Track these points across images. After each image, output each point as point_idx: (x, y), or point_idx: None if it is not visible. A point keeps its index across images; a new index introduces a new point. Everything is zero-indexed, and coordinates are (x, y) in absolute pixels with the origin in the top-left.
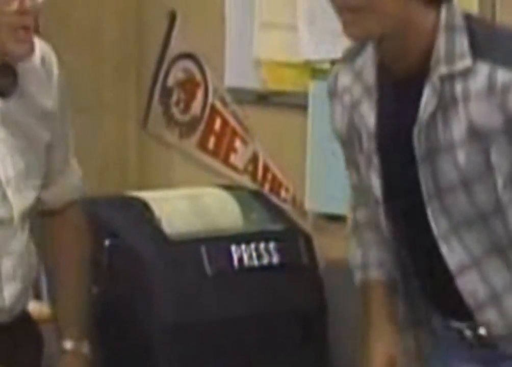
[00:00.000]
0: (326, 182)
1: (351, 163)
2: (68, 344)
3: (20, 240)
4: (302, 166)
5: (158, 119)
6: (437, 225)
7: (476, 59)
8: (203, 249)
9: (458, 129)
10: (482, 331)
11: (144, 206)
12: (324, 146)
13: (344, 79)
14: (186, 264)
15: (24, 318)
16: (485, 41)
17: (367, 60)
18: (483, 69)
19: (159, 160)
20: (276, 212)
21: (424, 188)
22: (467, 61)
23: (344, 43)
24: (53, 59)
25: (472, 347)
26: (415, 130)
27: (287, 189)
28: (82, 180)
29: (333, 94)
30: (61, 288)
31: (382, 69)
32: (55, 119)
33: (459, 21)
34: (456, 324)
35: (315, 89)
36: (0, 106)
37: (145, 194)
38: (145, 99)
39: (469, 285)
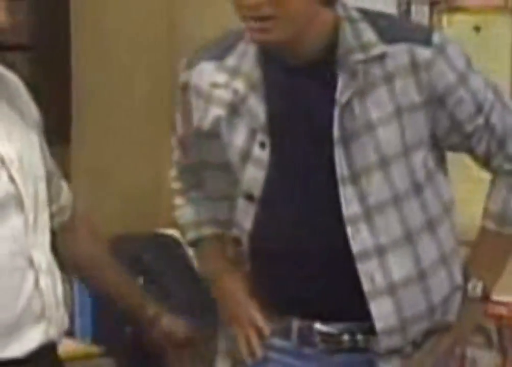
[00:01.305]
0: None
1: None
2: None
3: (42, 235)
4: None
5: None
6: (348, 208)
7: (390, 43)
8: None
9: (378, 110)
10: (359, 336)
11: (176, 244)
12: None
13: (216, 76)
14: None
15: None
16: (390, 27)
17: (243, 57)
18: (401, 49)
19: None
20: None
21: (338, 171)
22: (382, 47)
23: None
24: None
25: (336, 353)
26: (336, 113)
27: None
28: (114, 217)
29: (189, 88)
30: (112, 282)
31: (267, 62)
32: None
33: (355, 14)
34: (333, 328)
35: None
36: None
37: (177, 232)
38: None
39: (369, 271)
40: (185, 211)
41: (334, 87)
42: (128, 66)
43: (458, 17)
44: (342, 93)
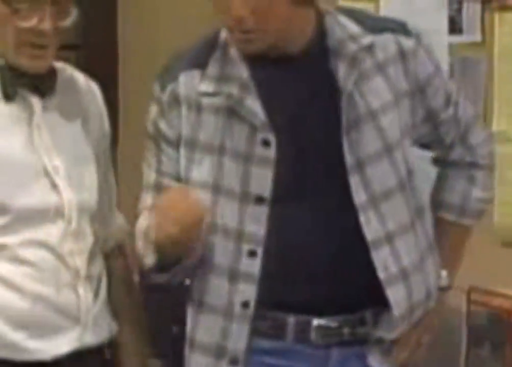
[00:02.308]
0: None
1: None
2: None
3: (84, 243)
4: None
5: None
6: (358, 196)
7: (374, 33)
8: None
9: (378, 99)
10: (359, 329)
11: None
12: None
13: (203, 86)
14: None
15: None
16: (366, 19)
17: (225, 63)
18: (387, 39)
19: None
20: None
21: (347, 159)
22: (369, 37)
23: None
24: (96, 89)
25: (332, 347)
26: (344, 102)
27: None
28: None
29: (177, 101)
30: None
31: (253, 61)
32: (99, 146)
33: (332, 10)
34: (332, 321)
35: None
36: (39, 104)
37: None
38: None
39: (383, 258)
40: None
41: (330, 77)
42: None
43: (510, 16)
44: (345, 80)
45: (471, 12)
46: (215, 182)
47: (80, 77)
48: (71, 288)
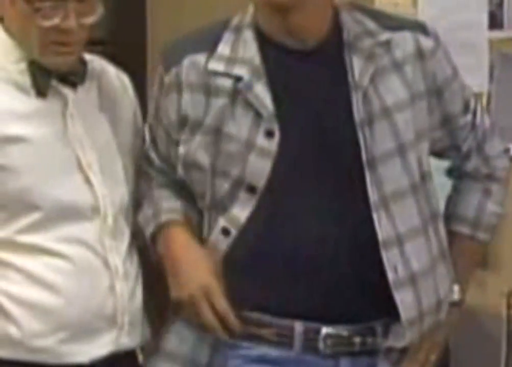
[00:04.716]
0: None
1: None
2: None
3: (121, 240)
4: None
5: None
6: (373, 194)
7: (392, 31)
8: None
9: (393, 96)
10: (369, 339)
11: None
12: None
13: (213, 65)
14: None
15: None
16: (382, 16)
17: (237, 45)
18: (406, 37)
19: None
20: None
21: (363, 155)
22: (386, 34)
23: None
24: (128, 81)
25: (342, 357)
26: (359, 95)
27: None
28: None
29: (178, 86)
30: None
31: (267, 48)
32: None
33: (347, 6)
34: (342, 330)
35: None
36: (72, 96)
37: None
38: None
39: (392, 259)
40: (146, 212)
41: (344, 71)
42: None
43: None
44: (361, 76)
45: None
46: (211, 162)
47: (111, 69)
48: (108, 287)
